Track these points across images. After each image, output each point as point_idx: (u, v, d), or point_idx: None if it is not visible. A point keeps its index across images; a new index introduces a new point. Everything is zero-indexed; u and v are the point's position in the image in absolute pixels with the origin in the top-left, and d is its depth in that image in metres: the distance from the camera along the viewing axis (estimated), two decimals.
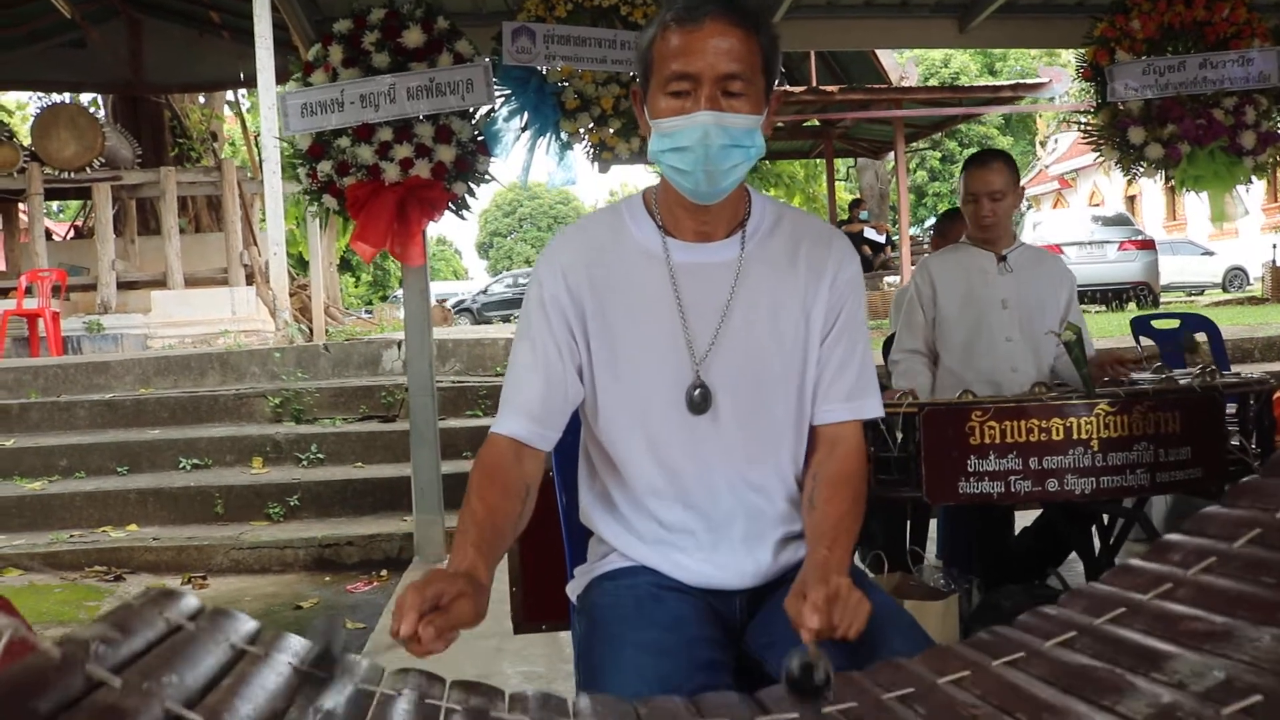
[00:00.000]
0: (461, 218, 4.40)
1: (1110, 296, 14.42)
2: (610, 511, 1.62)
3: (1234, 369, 3.99)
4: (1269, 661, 0.82)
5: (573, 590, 1.67)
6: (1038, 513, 3.41)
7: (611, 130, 4.43)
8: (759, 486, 1.57)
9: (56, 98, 12.83)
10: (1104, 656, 0.93)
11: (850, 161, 20.59)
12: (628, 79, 4.43)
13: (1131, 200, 26.02)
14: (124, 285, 11.44)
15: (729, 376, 1.54)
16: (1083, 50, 4.82)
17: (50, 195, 12.33)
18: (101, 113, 13.43)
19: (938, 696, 0.96)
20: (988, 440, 2.54)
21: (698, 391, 1.53)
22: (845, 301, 1.60)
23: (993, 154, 3.34)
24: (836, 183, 25.66)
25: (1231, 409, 2.79)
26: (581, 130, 4.40)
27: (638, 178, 31.53)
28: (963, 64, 29.93)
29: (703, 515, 1.56)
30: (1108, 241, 14.23)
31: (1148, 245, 14.26)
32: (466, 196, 4.35)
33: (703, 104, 1.45)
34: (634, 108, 1.58)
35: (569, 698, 1.09)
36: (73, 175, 11.24)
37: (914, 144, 12.81)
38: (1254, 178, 4.77)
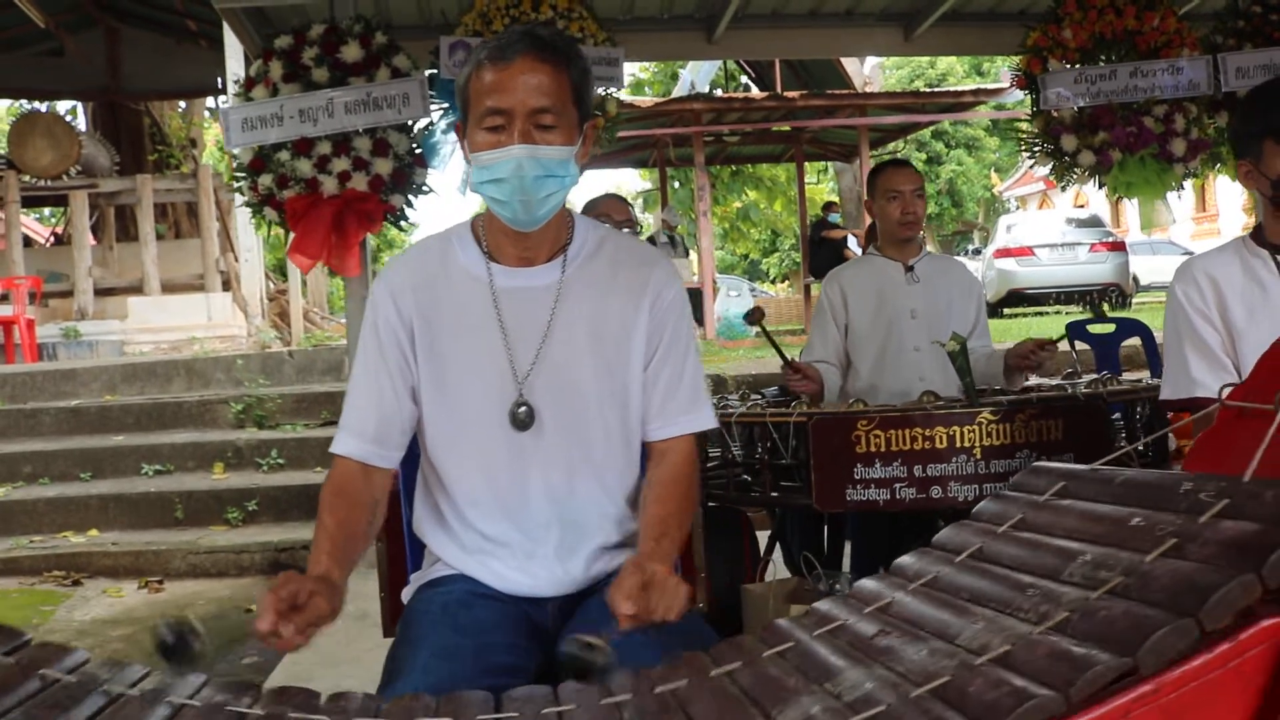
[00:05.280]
0: (400, 229, 4.48)
1: (1085, 297, 14.50)
2: (438, 522, 1.71)
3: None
4: (908, 676, 0.90)
5: (405, 596, 1.76)
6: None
7: None
8: (577, 500, 1.66)
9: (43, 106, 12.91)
10: (787, 670, 1.01)
11: (821, 166, 20.73)
12: None
13: (1117, 202, 26.07)
14: (102, 292, 11.51)
15: (550, 394, 1.63)
16: (1018, 59, 4.91)
17: (27, 203, 12.38)
18: (81, 120, 13.50)
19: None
20: (873, 448, 2.62)
21: (521, 409, 1.62)
22: (667, 323, 1.69)
23: (904, 160, 3.43)
24: (821, 185, 25.84)
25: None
26: None
27: (627, 180, 31.57)
28: (949, 65, 30.00)
29: (520, 526, 1.65)
30: (1079, 243, 14.33)
31: (1119, 247, 14.36)
32: (405, 208, 4.43)
33: (516, 138, 1.53)
34: (458, 142, 1.67)
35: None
36: (49, 183, 11.30)
37: (879, 149, 12.89)
38: (1184, 184, 4.85)
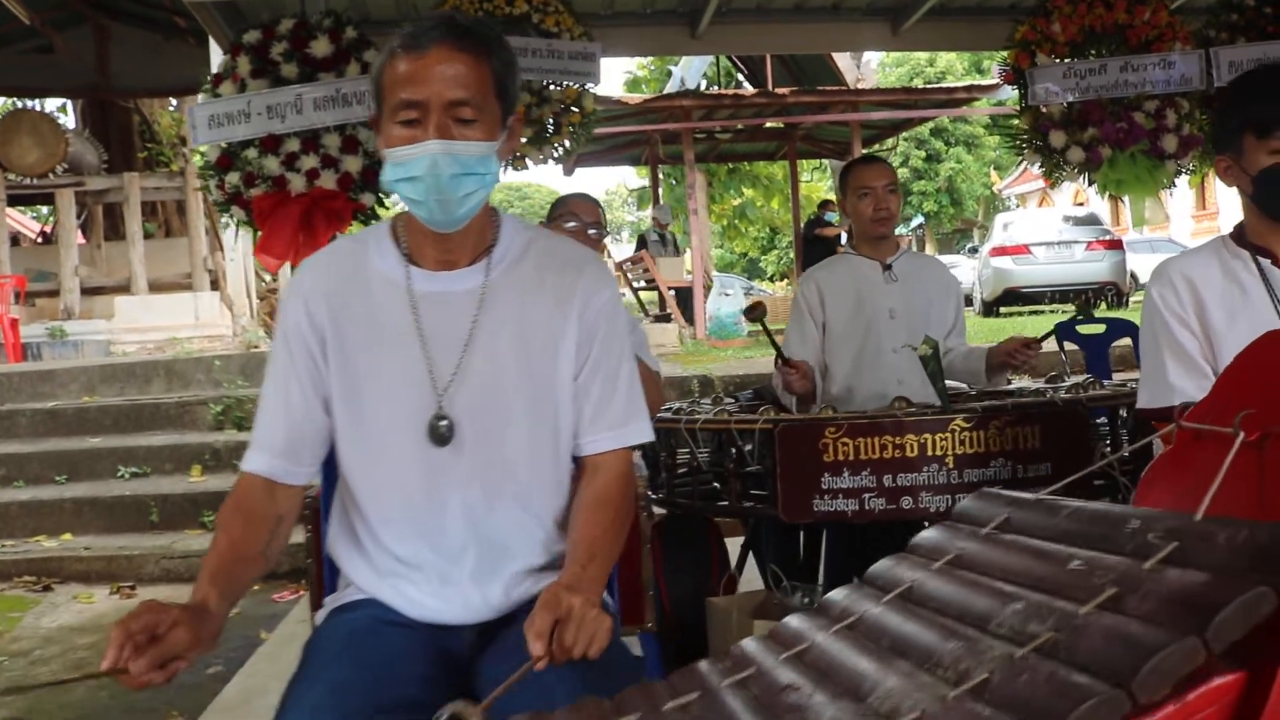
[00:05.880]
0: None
1: (1090, 296, 14.39)
2: (352, 543, 1.61)
3: None
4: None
5: (318, 620, 1.65)
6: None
7: (524, 139, 4.39)
8: (498, 520, 1.55)
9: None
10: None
11: (818, 163, 20.61)
12: (539, 86, 4.41)
13: (1117, 199, 25.91)
14: (89, 291, 11.40)
15: (472, 407, 1.52)
16: (1005, 54, 4.79)
17: (13, 201, 12.28)
18: (70, 118, 13.40)
19: None
20: (841, 457, 2.51)
21: (441, 423, 1.51)
22: (598, 331, 1.58)
23: (877, 156, 3.33)
24: (819, 183, 25.68)
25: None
26: None
27: (625, 177, 31.39)
28: (948, 63, 29.88)
29: (436, 548, 1.55)
30: (1076, 241, 14.19)
31: (1115, 245, 14.22)
32: (375, 207, 4.32)
33: (432, 132, 1.43)
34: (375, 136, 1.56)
35: None
36: (35, 181, 11.19)
37: (872, 146, 12.76)
38: (1175, 182, 4.74)
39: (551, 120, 4.46)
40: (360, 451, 1.55)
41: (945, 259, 25.01)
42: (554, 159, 4.52)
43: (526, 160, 4.47)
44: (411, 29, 1.46)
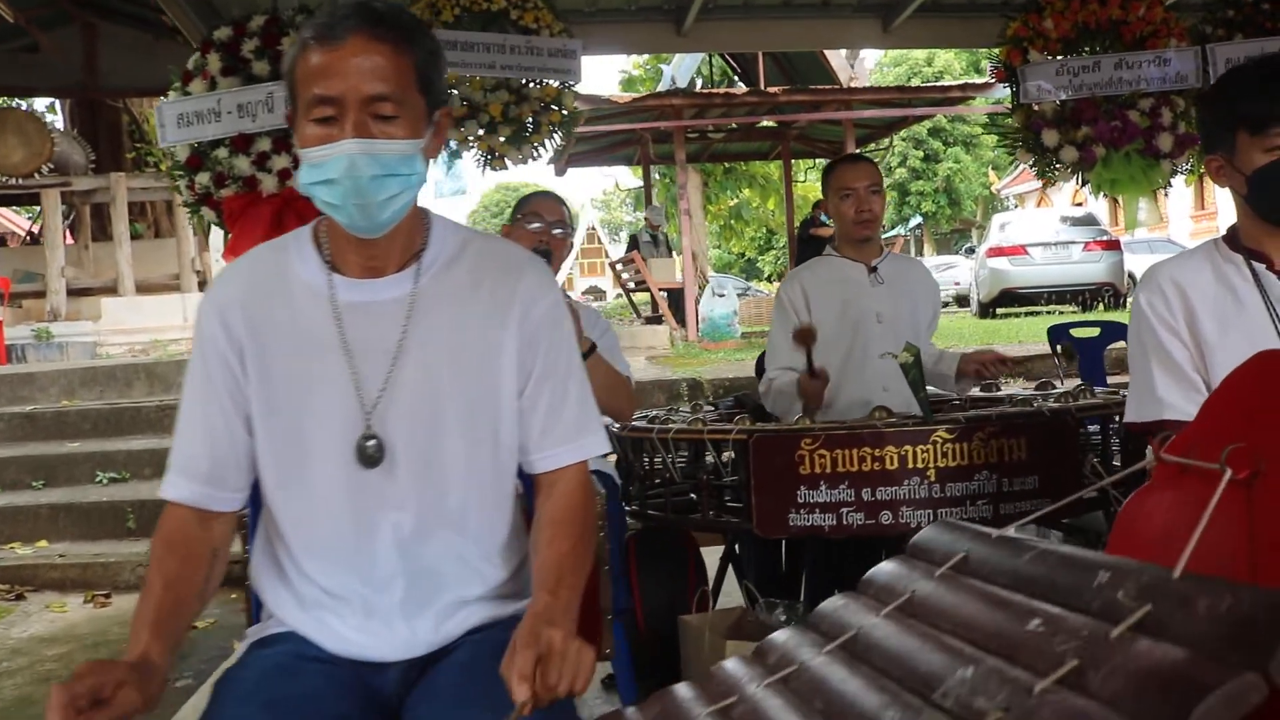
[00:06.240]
0: None
1: (1087, 297, 14.28)
2: (275, 571, 1.49)
3: None
4: None
5: (236, 654, 1.54)
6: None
7: (502, 138, 4.29)
8: (431, 547, 1.43)
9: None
10: None
11: (814, 164, 20.45)
12: (518, 84, 4.30)
13: (1116, 200, 25.76)
14: (76, 292, 11.28)
15: (403, 426, 1.40)
16: (997, 51, 4.68)
17: None
18: (59, 118, 13.27)
19: None
20: (818, 470, 2.40)
21: (369, 443, 1.39)
22: (541, 340, 1.46)
23: (860, 155, 3.22)
24: (816, 182, 25.53)
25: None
26: (470, 138, 4.26)
27: (624, 178, 31.22)
28: (946, 63, 29.78)
29: (363, 578, 1.43)
30: (1073, 242, 14.07)
31: (1113, 245, 14.10)
32: None
33: (348, 131, 1.31)
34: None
35: None
36: (21, 181, 11.08)
37: (866, 145, 12.64)
38: (1171, 181, 4.63)
39: (531, 119, 4.35)
40: (282, 474, 1.44)
41: (943, 259, 25.00)
42: (534, 158, 4.40)
43: (506, 160, 4.36)
44: (324, 18, 1.34)
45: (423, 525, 1.42)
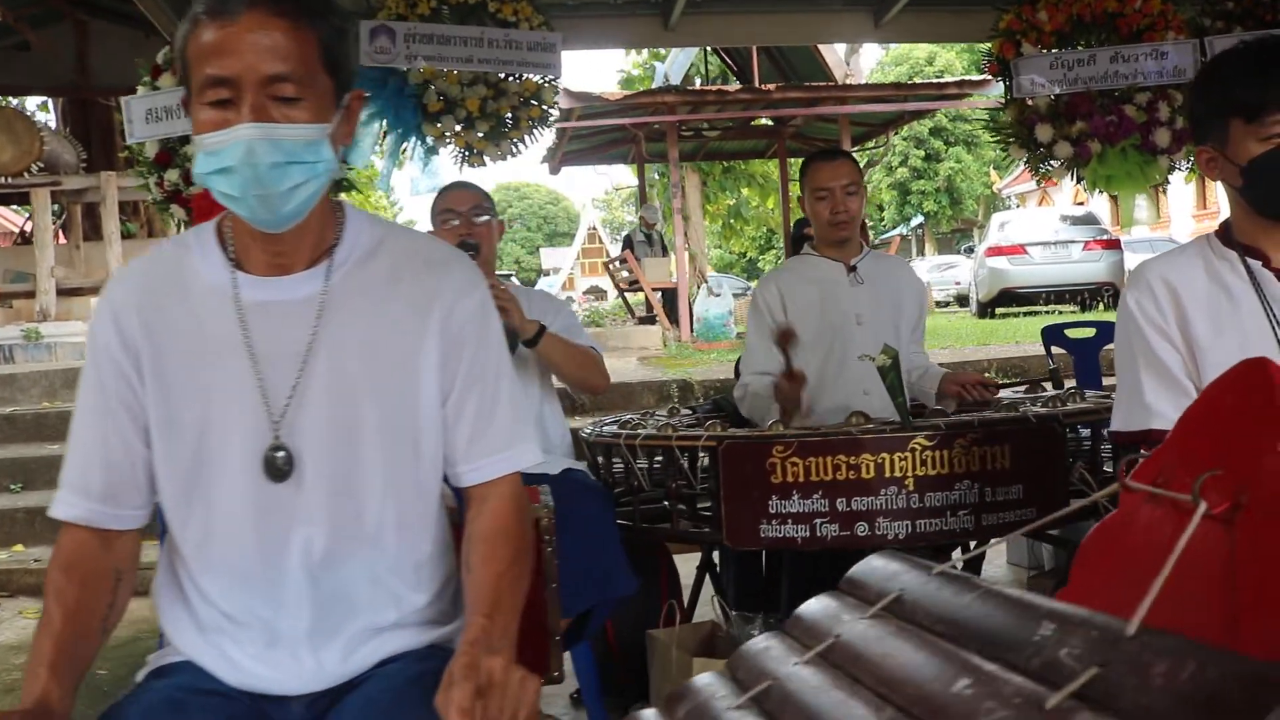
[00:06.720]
0: None
1: (1086, 297, 14.15)
2: (176, 594, 1.38)
3: None
4: None
5: (139, 678, 1.42)
6: None
7: (480, 134, 4.17)
8: (344, 568, 1.32)
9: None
10: None
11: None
12: (495, 79, 4.18)
13: (1115, 198, 25.59)
14: (66, 292, 11.17)
15: (314, 435, 1.29)
16: (989, 45, 4.56)
17: None
18: (51, 117, 13.17)
19: None
20: (790, 478, 2.28)
21: (279, 455, 1.27)
22: (466, 343, 1.35)
23: (838, 151, 3.10)
24: None
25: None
26: (447, 134, 4.14)
27: (626, 176, 31.03)
28: (948, 62, 29.63)
29: (268, 601, 1.31)
30: (1073, 241, 13.94)
31: (1113, 245, 13.96)
32: None
33: (246, 115, 1.19)
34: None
35: None
36: (10, 180, 10.97)
37: (863, 144, 12.50)
38: (1169, 178, 4.51)
39: (510, 114, 4.23)
40: (182, 489, 1.33)
41: (944, 259, 24.82)
42: (512, 155, 4.28)
43: (485, 157, 4.25)
44: None
45: (335, 544, 1.31)
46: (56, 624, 1.24)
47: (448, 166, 4.23)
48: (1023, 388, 3.14)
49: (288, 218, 1.26)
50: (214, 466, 1.30)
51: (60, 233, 12.78)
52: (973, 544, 2.46)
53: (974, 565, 2.80)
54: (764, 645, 0.87)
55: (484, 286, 1.40)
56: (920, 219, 30.39)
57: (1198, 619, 0.63)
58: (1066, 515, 2.37)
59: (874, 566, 0.88)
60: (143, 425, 1.32)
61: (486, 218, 2.71)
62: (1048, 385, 3.22)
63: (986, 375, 2.92)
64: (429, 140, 4.16)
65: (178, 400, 1.30)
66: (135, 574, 1.39)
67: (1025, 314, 13.33)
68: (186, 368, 1.30)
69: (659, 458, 2.77)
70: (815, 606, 0.89)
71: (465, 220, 2.68)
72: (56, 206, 11.94)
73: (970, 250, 21.38)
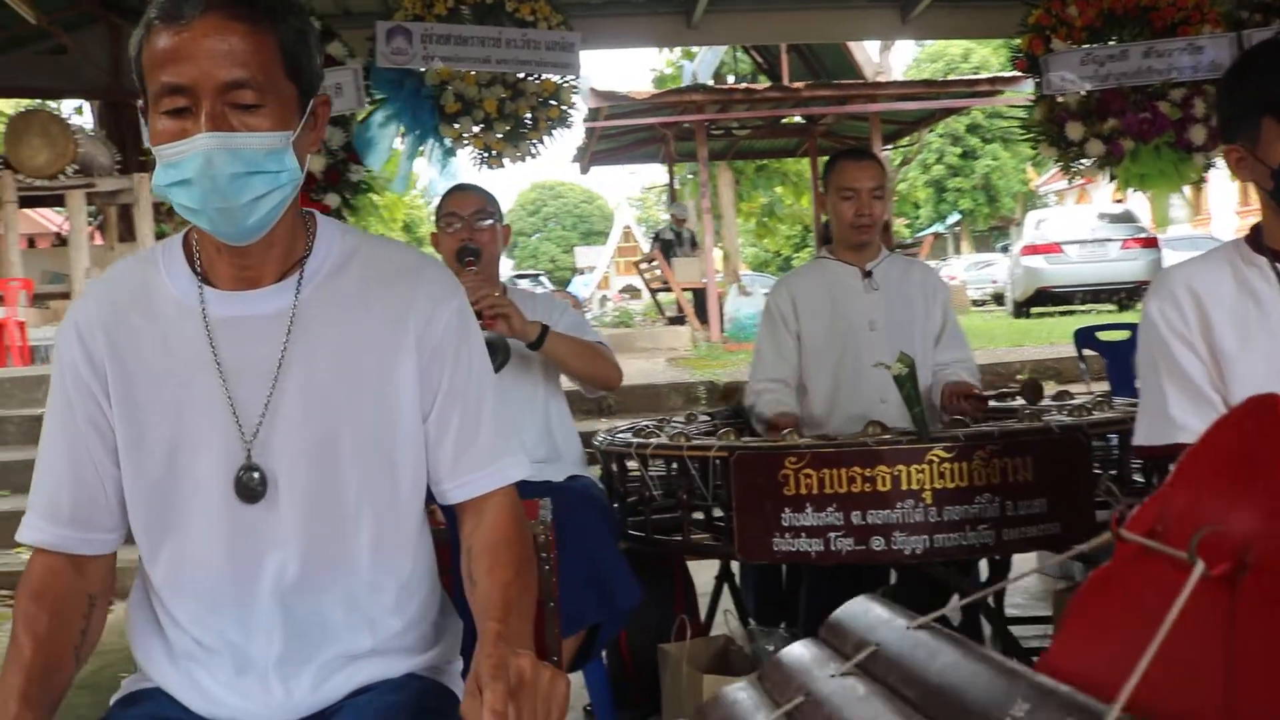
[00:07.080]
0: None
1: (1124, 296, 13.90)
2: (147, 620, 1.33)
3: None
4: None
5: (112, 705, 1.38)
6: None
7: (498, 135, 4.13)
8: (319, 593, 1.27)
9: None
10: None
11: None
12: (513, 79, 4.14)
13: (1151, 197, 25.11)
14: None
15: (288, 454, 1.24)
16: (1018, 40, 4.46)
17: (25, 203, 12.22)
18: (87, 119, 13.33)
19: None
20: (804, 490, 2.21)
21: (254, 475, 1.23)
22: (446, 355, 1.30)
23: (865, 151, 3.01)
24: None
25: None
26: (465, 136, 4.11)
27: (659, 175, 30.90)
28: (983, 59, 29.28)
29: (239, 627, 1.27)
30: (1110, 239, 13.69)
31: (1151, 243, 13.69)
32: (342, 209, 4.06)
33: (203, 124, 1.14)
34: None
35: None
36: (46, 183, 11.11)
37: (895, 142, 12.36)
38: (1205, 176, 4.38)
39: (529, 115, 4.19)
40: (153, 511, 1.28)
41: (981, 257, 24.50)
42: (532, 155, 4.24)
43: (503, 159, 4.21)
44: None
45: (309, 567, 1.26)
46: (26, 655, 1.20)
47: (467, 168, 4.20)
48: (1001, 399, 3.02)
49: (252, 230, 1.20)
50: (184, 488, 1.26)
51: (96, 234, 12.92)
52: (994, 558, 2.38)
53: (998, 583, 2.71)
54: (741, 694, 0.82)
55: (461, 293, 1.35)
56: (957, 216, 30.09)
57: (1193, 692, 0.57)
58: (1079, 553, 2.29)
59: (853, 614, 0.82)
60: (112, 446, 1.28)
61: (489, 222, 2.65)
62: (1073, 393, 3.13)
63: (976, 389, 2.81)
64: (447, 142, 4.13)
65: (146, 420, 1.26)
66: (110, 598, 1.35)
67: (1062, 313, 13.12)
68: (154, 386, 1.26)
69: (675, 465, 2.71)
70: (792, 655, 0.83)
71: (467, 224, 2.63)
72: (92, 208, 12.06)
73: (1007, 248, 21.11)
